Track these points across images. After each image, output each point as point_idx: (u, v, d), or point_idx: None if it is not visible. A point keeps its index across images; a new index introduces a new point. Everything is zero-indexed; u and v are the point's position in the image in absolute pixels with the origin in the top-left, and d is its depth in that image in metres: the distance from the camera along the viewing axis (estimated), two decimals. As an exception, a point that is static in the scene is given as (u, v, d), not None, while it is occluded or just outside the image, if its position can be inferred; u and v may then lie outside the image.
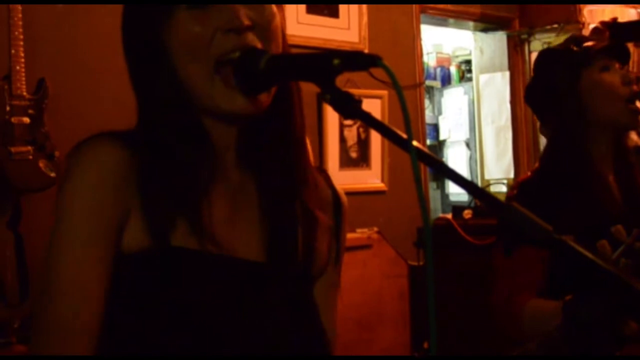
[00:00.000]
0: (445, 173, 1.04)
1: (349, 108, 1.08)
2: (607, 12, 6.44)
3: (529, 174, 2.56)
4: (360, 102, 1.07)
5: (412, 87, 5.43)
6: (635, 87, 2.42)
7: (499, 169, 6.51)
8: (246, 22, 1.25)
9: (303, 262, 1.35)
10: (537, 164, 2.56)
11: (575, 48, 2.48)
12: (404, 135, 1.02)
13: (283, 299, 1.32)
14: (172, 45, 1.27)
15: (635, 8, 6.48)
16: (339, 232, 1.50)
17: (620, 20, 5.77)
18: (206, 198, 1.28)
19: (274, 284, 1.31)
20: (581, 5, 5.98)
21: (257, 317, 1.28)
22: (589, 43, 2.49)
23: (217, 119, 1.31)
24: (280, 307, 1.31)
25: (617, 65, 2.45)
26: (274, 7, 1.32)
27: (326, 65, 1.11)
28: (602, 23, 2.55)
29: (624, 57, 2.49)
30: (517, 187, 2.50)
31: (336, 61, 1.10)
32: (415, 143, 1.01)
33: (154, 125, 1.31)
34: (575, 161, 2.38)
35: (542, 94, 2.53)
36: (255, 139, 1.35)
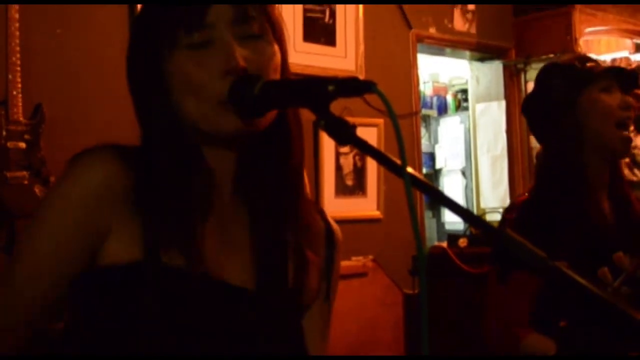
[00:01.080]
0: (440, 200, 1.04)
1: (344, 134, 1.08)
2: (603, 42, 6.48)
3: (526, 194, 2.55)
4: (354, 127, 1.07)
5: (408, 116, 5.44)
6: (631, 113, 2.42)
7: (494, 198, 6.51)
8: (241, 63, 1.25)
9: (291, 292, 1.35)
10: (533, 182, 2.55)
11: (579, 65, 2.48)
12: (399, 162, 1.02)
13: (269, 326, 1.32)
14: (172, 82, 1.29)
15: (631, 38, 6.51)
16: (330, 267, 1.49)
17: (615, 52, 5.82)
18: (201, 222, 1.28)
19: (261, 311, 1.31)
20: (577, 35, 6.01)
21: (241, 342, 1.29)
22: (593, 63, 2.49)
23: (214, 143, 1.32)
24: (265, 334, 1.31)
25: (617, 89, 2.45)
26: (275, 46, 1.34)
27: (321, 91, 1.11)
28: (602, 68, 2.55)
29: (626, 82, 2.48)
30: (517, 209, 2.48)
31: (331, 87, 1.10)
32: (409, 169, 1.01)
33: (152, 151, 1.31)
34: (570, 179, 2.37)
35: (541, 107, 2.52)
36: (252, 166, 1.36)
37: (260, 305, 1.31)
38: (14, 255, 1.30)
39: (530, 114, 2.61)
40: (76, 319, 1.31)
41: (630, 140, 2.44)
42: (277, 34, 1.36)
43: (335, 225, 1.52)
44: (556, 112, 2.45)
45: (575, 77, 2.45)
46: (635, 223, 2.41)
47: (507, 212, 2.55)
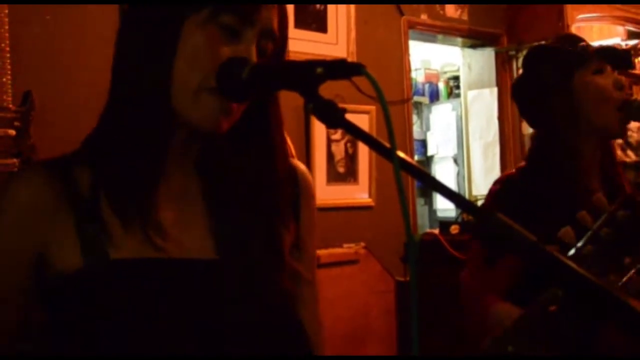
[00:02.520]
0: (431, 184, 1.03)
1: (333, 117, 1.07)
2: (595, 29, 6.47)
3: (513, 170, 2.54)
4: (344, 111, 1.06)
5: (400, 103, 5.44)
6: (626, 93, 2.42)
7: (486, 185, 6.46)
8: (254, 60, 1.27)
9: (257, 254, 1.34)
10: (523, 163, 2.53)
11: (569, 47, 2.46)
12: (389, 146, 1.01)
13: (244, 292, 1.31)
14: (182, 46, 1.28)
15: (623, 25, 6.51)
16: (297, 213, 1.47)
17: (606, 39, 5.82)
18: (153, 202, 1.29)
19: (231, 279, 1.31)
20: (569, 22, 6.00)
21: (218, 314, 1.28)
22: (584, 43, 2.47)
23: (183, 126, 1.31)
24: (242, 302, 1.30)
25: (610, 69, 2.44)
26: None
27: (309, 74, 1.10)
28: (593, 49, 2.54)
29: (618, 62, 2.47)
30: (501, 182, 2.47)
31: (319, 69, 1.09)
32: (399, 153, 1.00)
33: (122, 121, 1.31)
34: (563, 161, 2.36)
35: (532, 91, 2.50)
36: (220, 145, 1.36)
37: (229, 273, 1.31)
38: None
39: (520, 99, 2.59)
40: (45, 326, 1.31)
41: (627, 121, 2.43)
42: (281, 41, 1.38)
43: (300, 168, 1.50)
44: (548, 96, 2.43)
45: (567, 60, 2.43)
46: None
47: (493, 184, 2.54)
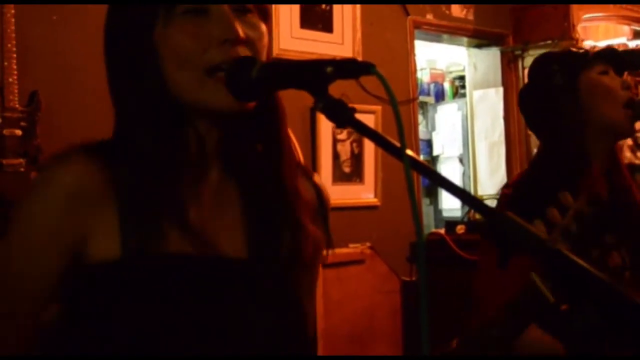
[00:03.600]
0: (439, 182, 1.03)
1: (342, 116, 1.07)
2: (601, 29, 6.46)
3: (521, 172, 2.55)
4: (353, 110, 1.06)
5: (405, 103, 5.43)
6: (633, 93, 2.42)
7: (492, 185, 6.50)
8: (242, 34, 1.25)
9: (285, 259, 1.35)
10: (528, 168, 2.53)
11: (573, 51, 2.48)
12: (398, 144, 1.01)
13: (266, 294, 1.31)
14: (164, 50, 1.27)
15: (629, 24, 6.50)
16: (327, 225, 1.50)
17: (612, 39, 5.80)
18: (187, 200, 1.29)
19: (256, 280, 1.31)
20: (575, 22, 5.99)
21: (241, 313, 1.29)
22: (587, 48, 2.49)
23: (201, 118, 1.31)
24: (263, 303, 1.31)
25: (613, 72, 2.44)
26: (264, 26, 1.33)
27: (319, 73, 1.10)
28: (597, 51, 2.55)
29: (621, 65, 2.47)
30: (512, 186, 2.48)
31: (329, 69, 1.09)
32: (408, 151, 1.00)
33: (133, 129, 1.31)
34: (574, 166, 2.35)
35: (540, 96, 2.50)
36: (237, 141, 1.36)
37: (256, 273, 1.32)
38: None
39: (528, 106, 2.59)
40: (69, 316, 1.30)
41: (635, 118, 2.43)
42: (264, 14, 1.35)
43: (322, 186, 1.53)
44: (556, 98, 2.44)
45: (573, 60, 2.44)
46: (631, 208, 2.40)
47: (504, 187, 2.54)
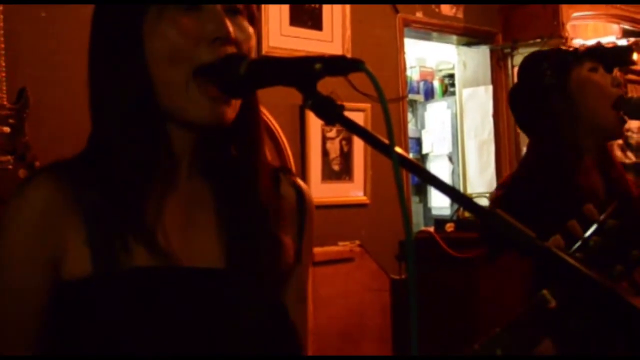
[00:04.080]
0: (428, 179, 1.02)
1: (332, 113, 1.06)
2: (590, 27, 6.47)
3: (511, 173, 2.54)
4: (342, 107, 1.05)
5: (395, 101, 5.43)
6: (622, 90, 2.43)
7: (481, 183, 6.52)
8: (233, 34, 1.24)
9: (265, 265, 1.33)
10: (519, 169, 2.53)
11: (562, 49, 2.49)
12: (387, 142, 1.00)
13: (248, 302, 1.29)
14: (153, 44, 1.25)
15: (618, 23, 6.51)
16: (301, 232, 1.46)
17: (602, 37, 5.81)
18: (159, 211, 1.27)
19: (237, 289, 1.29)
20: (564, 20, 6.00)
21: (223, 323, 1.27)
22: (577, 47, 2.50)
23: (178, 125, 1.29)
24: (246, 311, 1.29)
25: (602, 69, 2.45)
26: (251, 28, 1.32)
27: (308, 70, 1.09)
28: (587, 47, 2.56)
29: (610, 62, 2.48)
30: (502, 187, 2.47)
31: (318, 65, 1.08)
32: (397, 149, 1.00)
33: (110, 133, 1.29)
34: (566, 163, 2.36)
35: (530, 95, 2.51)
36: (212, 145, 1.34)
37: (236, 282, 1.29)
38: None
39: (518, 105, 2.59)
40: (53, 331, 1.30)
41: (624, 121, 2.44)
42: (251, 17, 1.35)
43: (305, 189, 1.49)
44: (546, 97, 2.44)
45: (562, 58, 2.45)
46: (628, 200, 2.41)
47: (496, 189, 2.54)
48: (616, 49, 2.62)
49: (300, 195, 1.47)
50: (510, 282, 2.25)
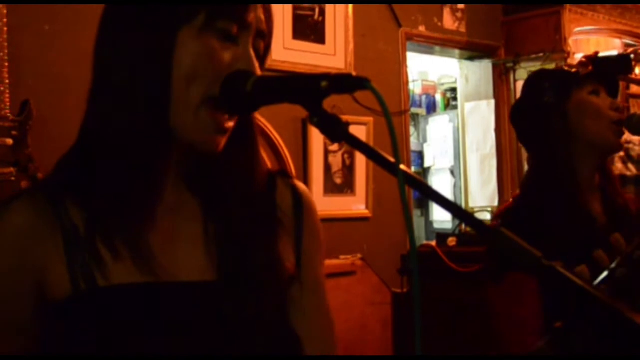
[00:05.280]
0: (432, 197, 1.02)
1: (337, 131, 1.06)
2: (592, 42, 6.48)
3: (510, 201, 2.56)
4: (347, 124, 1.06)
5: (397, 114, 5.44)
6: (622, 115, 2.44)
7: (483, 197, 6.51)
8: (259, 72, 1.25)
9: (258, 275, 1.30)
10: (518, 191, 2.55)
11: (567, 68, 2.50)
12: (392, 159, 1.01)
13: (241, 314, 1.26)
14: (180, 62, 1.23)
15: (620, 38, 6.52)
16: (300, 236, 1.42)
17: (604, 52, 5.81)
18: (140, 225, 1.24)
19: (228, 300, 1.26)
20: (566, 35, 6.01)
21: (214, 336, 1.24)
22: (581, 69, 2.51)
23: (181, 147, 1.28)
24: (240, 323, 1.26)
25: (604, 93, 2.47)
26: (263, 44, 1.32)
27: (314, 88, 1.09)
28: (586, 57, 2.58)
29: (613, 87, 2.50)
30: (499, 217, 2.49)
31: (324, 83, 1.08)
32: (402, 167, 1.00)
33: (110, 140, 1.26)
34: (562, 183, 2.37)
35: (530, 112, 2.54)
36: (202, 160, 1.31)
37: (227, 295, 1.26)
38: None
39: (519, 120, 2.62)
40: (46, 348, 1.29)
41: (622, 133, 2.45)
42: (269, 38, 1.34)
43: (303, 189, 1.46)
44: (547, 115, 2.46)
45: (565, 79, 2.47)
46: (626, 221, 2.41)
47: (492, 220, 2.55)
48: (615, 57, 2.63)
49: (297, 197, 1.44)
50: (515, 298, 2.24)
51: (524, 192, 2.50)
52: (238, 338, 1.26)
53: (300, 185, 1.47)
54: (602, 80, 2.48)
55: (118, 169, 1.24)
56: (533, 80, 2.59)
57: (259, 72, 1.25)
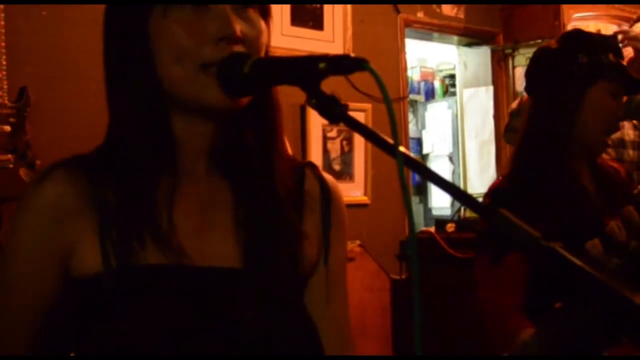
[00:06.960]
0: (431, 178, 1.02)
1: (335, 112, 1.06)
2: (591, 28, 6.46)
3: (500, 178, 2.51)
4: (346, 106, 1.05)
5: (395, 101, 5.43)
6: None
7: (482, 183, 6.51)
8: (238, 32, 1.23)
9: (285, 265, 1.31)
10: (508, 169, 2.49)
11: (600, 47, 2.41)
12: (391, 141, 1.00)
13: (264, 302, 1.27)
14: (159, 42, 1.25)
15: (619, 24, 6.51)
16: (327, 227, 1.45)
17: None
18: (171, 209, 1.26)
19: (252, 288, 1.27)
20: (565, 21, 6.00)
21: (237, 323, 1.24)
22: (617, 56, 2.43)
23: (193, 117, 1.28)
24: (261, 311, 1.26)
25: (622, 95, 2.41)
26: (263, 23, 1.30)
27: (312, 69, 1.08)
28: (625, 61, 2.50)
29: (632, 89, 2.45)
30: (490, 195, 2.43)
31: (322, 65, 1.07)
32: (401, 148, 0.99)
33: (123, 129, 1.29)
34: (552, 156, 2.34)
35: (561, 64, 2.39)
36: (229, 140, 1.33)
37: (252, 282, 1.27)
38: None
39: (540, 64, 2.50)
40: (53, 327, 1.30)
41: (607, 145, 2.43)
42: (264, 12, 1.33)
43: (331, 182, 1.48)
44: (561, 80, 2.39)
45: (593, 65, 2.37)
46: (614, 189, 2.38)
47: (483, 198, 2.50)
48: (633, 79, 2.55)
49: (324, 187, 1.46)
50: (501, 280, 2.23)
51: (513, 170, 2.44)
52: (255, 328, 1.25)
53: (328, 175, 1.49)
54: (624, 80, 2.40)
55: (137, 155, 1.27)
56: (571, 39, 2.47)
57: (238, 32, 1.23)
